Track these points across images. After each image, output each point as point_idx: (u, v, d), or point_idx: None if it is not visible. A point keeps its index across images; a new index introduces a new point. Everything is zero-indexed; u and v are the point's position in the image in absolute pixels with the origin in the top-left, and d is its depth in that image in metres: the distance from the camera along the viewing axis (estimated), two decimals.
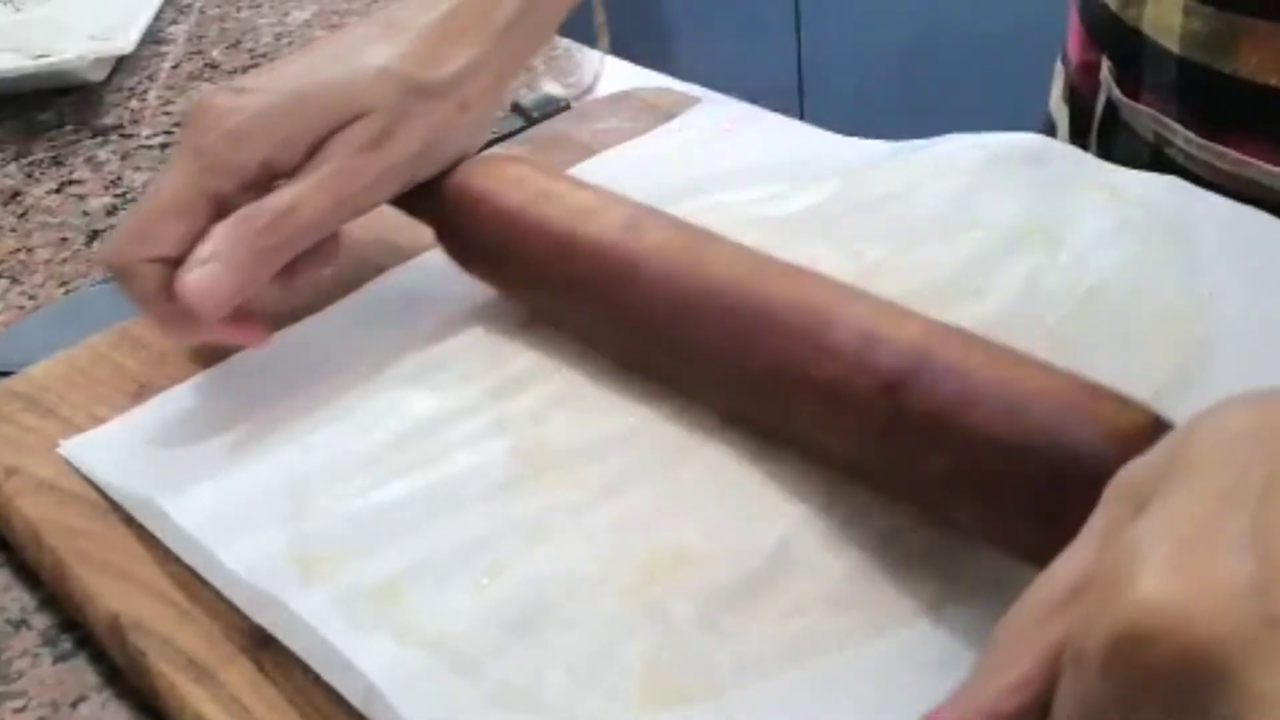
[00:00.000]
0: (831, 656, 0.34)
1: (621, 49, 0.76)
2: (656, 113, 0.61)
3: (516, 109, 0.67)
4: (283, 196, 0.42)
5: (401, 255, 0.52)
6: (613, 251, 0.42)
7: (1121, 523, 0.26)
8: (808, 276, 0.40)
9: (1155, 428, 0.31)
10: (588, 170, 0.57)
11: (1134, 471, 0.27)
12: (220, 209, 0.43)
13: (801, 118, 0.59)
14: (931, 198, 0.50)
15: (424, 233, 0.51)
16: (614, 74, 0.74)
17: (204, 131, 0.42)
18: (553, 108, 0.66)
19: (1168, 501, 0.25)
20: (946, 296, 0.45)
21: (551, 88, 0.69)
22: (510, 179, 0.46)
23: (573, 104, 0.67)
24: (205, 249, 0.41)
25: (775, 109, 0.62)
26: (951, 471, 0.34)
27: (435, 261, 0.52)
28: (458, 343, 0.47)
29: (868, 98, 1.90)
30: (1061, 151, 0.53)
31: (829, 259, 0.48)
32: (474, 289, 0.49)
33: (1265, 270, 0.45)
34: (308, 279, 0.46)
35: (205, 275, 0.41)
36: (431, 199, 0.47)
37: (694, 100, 0.64)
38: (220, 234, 0.42)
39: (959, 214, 0.49)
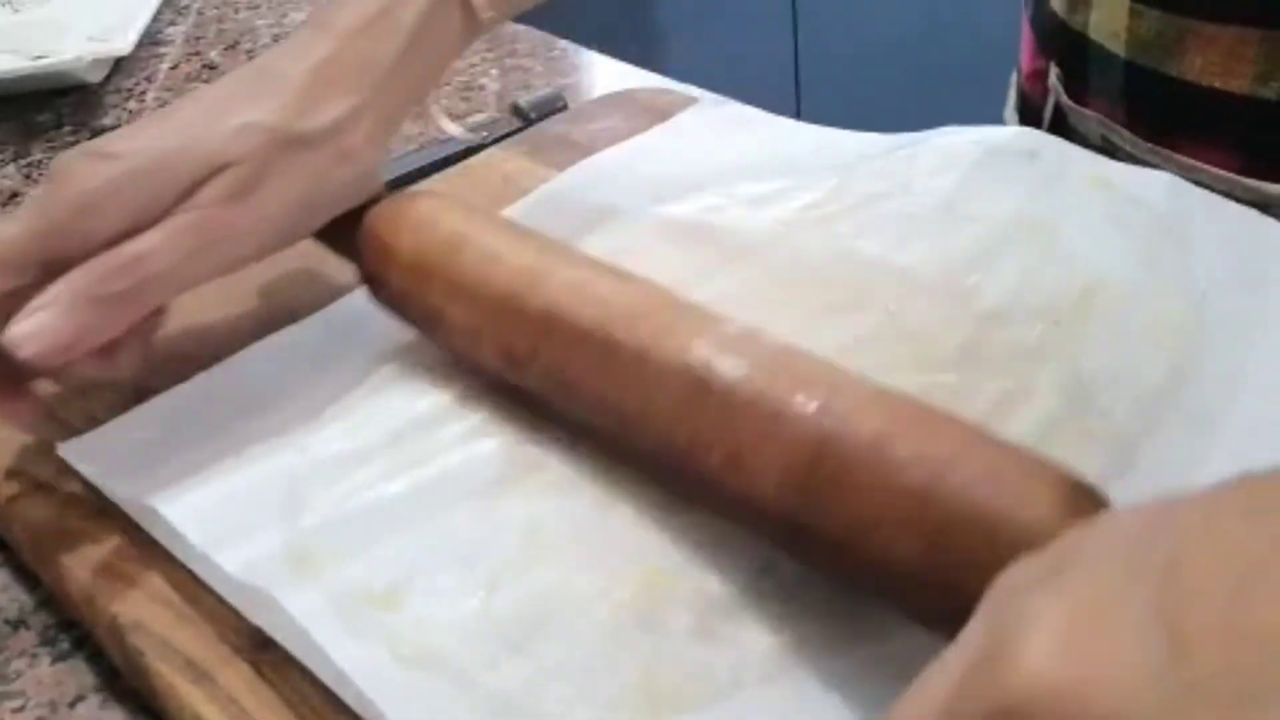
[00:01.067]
0: (828, 662, 0.34)
1: (618, 50, 0.76)
2: (653, 113, 0.62)
3: (515, 110, 0.67)
4: (131, 245, 0.40)
5: None
6: (516, 302, 0.41)
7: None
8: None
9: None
10: (584, 169, 0.57)
11: (1022, 570, 0.24)
12: (60, 273, 0.40)
13: (798, 118, 0.59)
14: (926, 194, 0.50)
15: None
16: (611, 75, 0.74)
17: (54, 194, 0.40)
18: (550, 108, 0.66)
19: (1060, 582, 0.22)
20: (941, 294, 0.45)
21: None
22: (415, 222, 0.44)
23: (570, 105, 0.67)
24: (40, 299, 0.39)
25: (772, 109, 0.62)
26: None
27: None
28: None
29: (865, 98, 1.90)
30: (1054, 146, 0.53)
31: (823, 256, 0.48)
32: None
33: (1259, 269, 0.45)
34: (129, 357, 0.43)
35: (34, 323, 0.39)
36: (350, 241, 0.46)
37: (691, 100, 0.64)
38: (59, 284, 0.39)
39: (954, 211, 0.49)
